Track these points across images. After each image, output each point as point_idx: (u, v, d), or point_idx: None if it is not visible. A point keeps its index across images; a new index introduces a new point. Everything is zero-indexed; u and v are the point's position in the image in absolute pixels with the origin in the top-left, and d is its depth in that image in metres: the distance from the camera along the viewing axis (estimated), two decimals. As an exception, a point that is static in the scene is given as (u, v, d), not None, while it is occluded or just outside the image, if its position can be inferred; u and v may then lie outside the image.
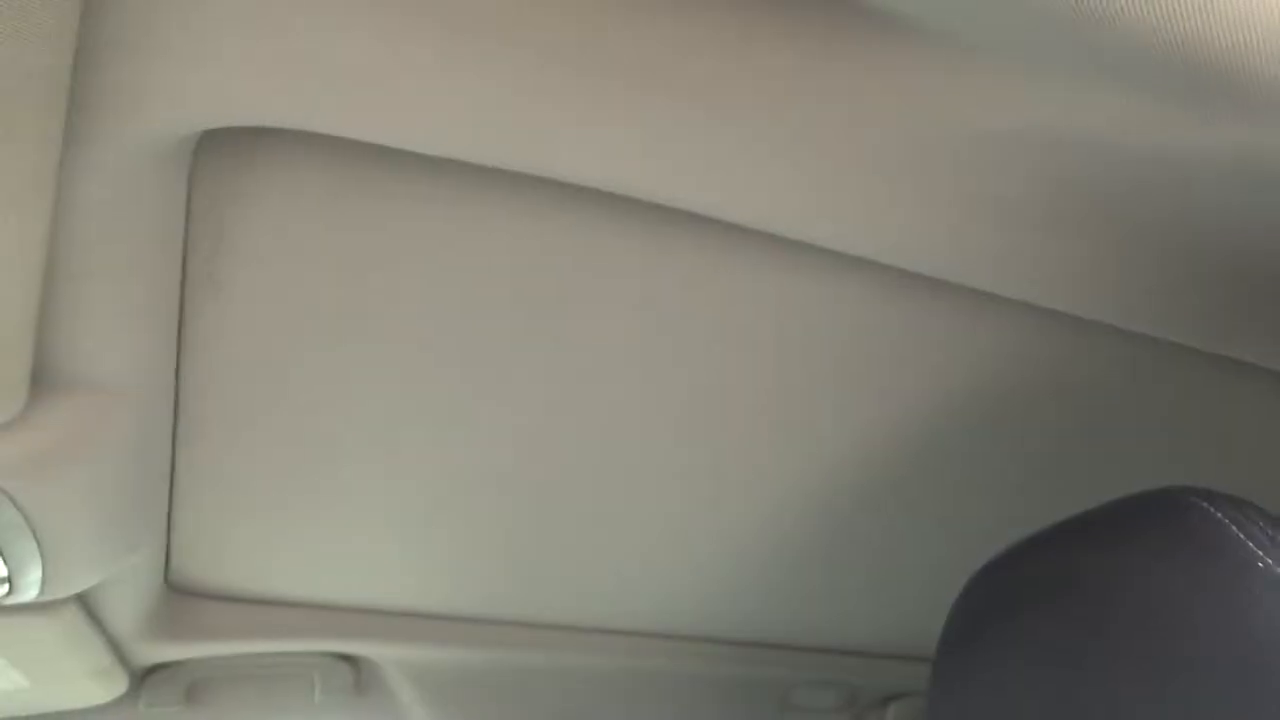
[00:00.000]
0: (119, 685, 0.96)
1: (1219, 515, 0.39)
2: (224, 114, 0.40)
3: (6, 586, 0.65)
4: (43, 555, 0.62)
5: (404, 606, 1.04)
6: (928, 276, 0.53)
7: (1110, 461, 0.72)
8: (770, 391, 0.67)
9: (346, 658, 1.06)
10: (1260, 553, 0.37)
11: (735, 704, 1.21)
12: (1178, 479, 0.49)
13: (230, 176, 0.51)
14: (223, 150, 0.50)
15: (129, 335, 0.52)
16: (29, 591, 0.67)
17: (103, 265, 0.47)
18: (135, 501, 0.69)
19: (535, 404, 0.68)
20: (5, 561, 0.61)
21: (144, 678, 0.99)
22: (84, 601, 0.80)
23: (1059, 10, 0.30)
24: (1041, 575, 0.47)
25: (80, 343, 0.50)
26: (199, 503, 0.77)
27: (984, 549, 0.61)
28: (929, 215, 0.48)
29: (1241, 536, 0.38)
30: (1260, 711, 0.35)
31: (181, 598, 0.93)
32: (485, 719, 1.14)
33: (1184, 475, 0.66)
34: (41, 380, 0.51)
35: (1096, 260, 0.50)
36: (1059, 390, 0.65)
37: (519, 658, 1.08)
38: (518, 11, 0.38)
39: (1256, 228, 0.46)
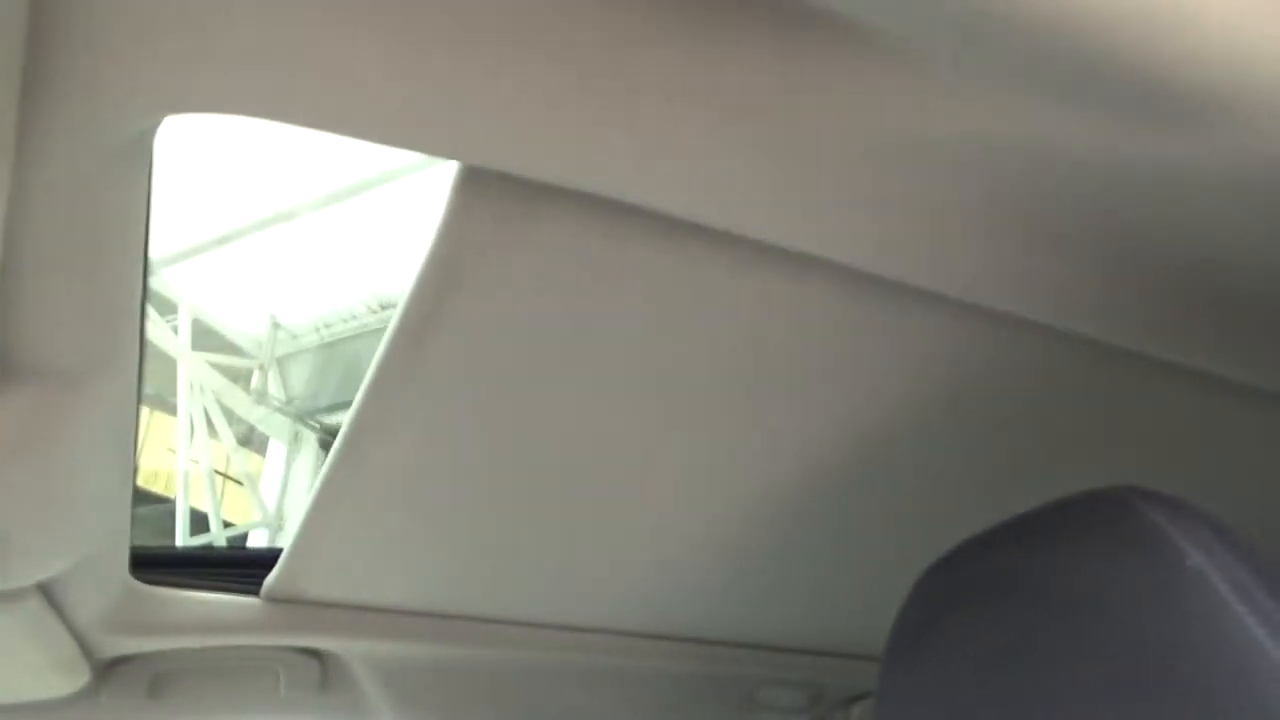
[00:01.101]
0: (81, 677, 0.95)
1: (1153, 514, 0.40)
2: (182, 104, 0.40)
3: (-36, 575, 0.64)
4: (1, 544, 0.62)
5: (372, 602, 1.04)
6: (882, 279, 0.54)
7: (1062, 461, 0.73)
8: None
9: (313, 652, 1.05)
10: (1191, 551, 0.38)
11: (700, 702, 1.22)
12: (1121, 478, 0.50)
13: (491, 225, 0.53)
14: (483, 198, 0.52)
15: (89, 327, 0.52)
16: (-13, 580, 0.67)
17: (62, 256, 0.47)
18: (96, 492, 0.69)
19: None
20: (-37, 550, 0.61)
21: (106, 670, 0.98)
22: (46, 592, 0.80)
23: (990, 16, 0.32)
24: (985, 574, 0.48)
25: (39, 333, 0.50)
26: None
27: (948, 546, 0.62)
28: (882, 218, 0.49)
29: (1173, 535, 0.39)
30: (1187, 706, 0.36)
31: (145, 590, 0.92)
32: (452, 715, 1.14)
33: (1127, 475, 0.67)
34: (0, 370, 0.51)
35: (1041, 263, 0.51)
36: (1011, 391, 0.66)
37: (488, 654, 1.08)
38: (484, 5, 0.39)
39: (1190, 234, 0.47)
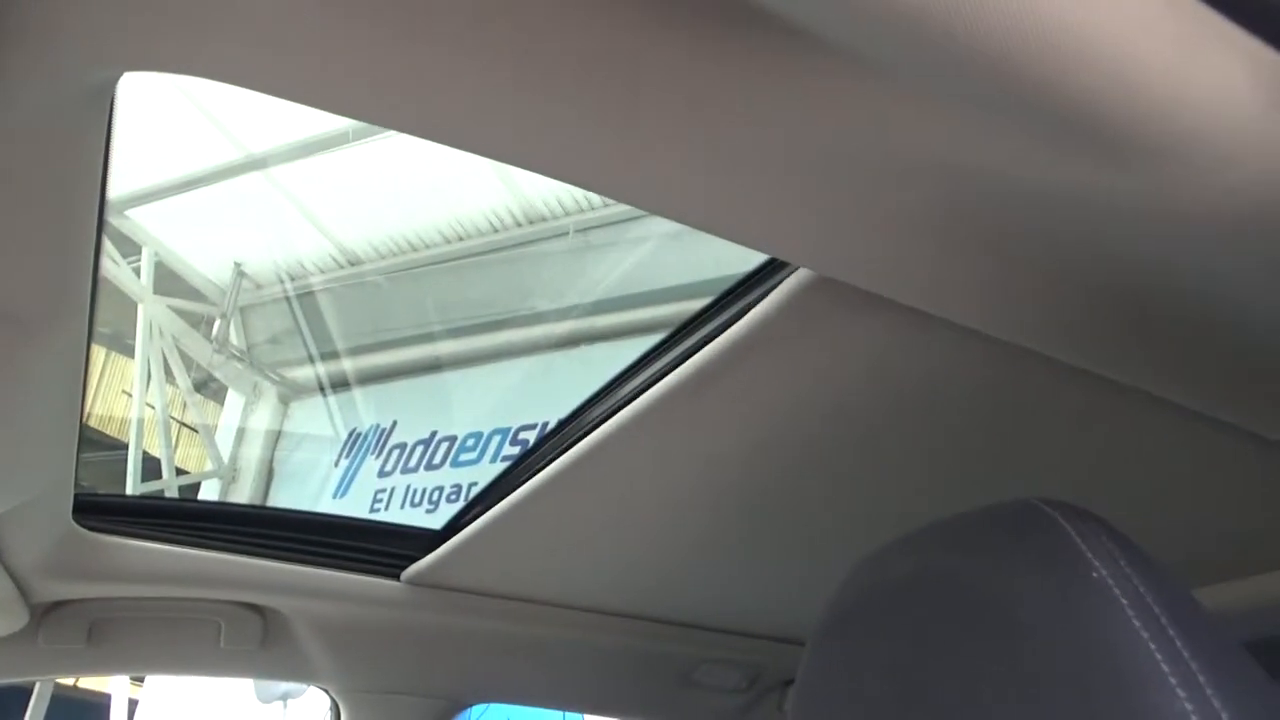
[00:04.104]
0: (19, 619, 0.95)
1: (1066, 526, 0.42)
2: (141, 60, 0.40)
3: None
4: (-60, 484, 0.61)
5: (320, 561, 1.04)
6: (834, 281, 0.55)
7: (994, 466, 0.76)
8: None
9: (255, 607, 1.06)
10: (1098, 563, 0.40)
11: (639, 678, 1.24)
12: (1048, 485, 0.52)
13: (807, 322, 0.61)
14: (814, 297, 0.58)
15: (40, 273, 0.52)
16: (-75, 519, 0.66)
17: (15, 201, 0.47)
18: (41, 437, 0.69)
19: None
20: (-99, 487, 0.61)
21: (45, 614, 0.97)
22: (-15, 533, 0.79)
23: (947, 52, 0.33)
24: (907, 573, 0.49)
25: None
26: None
27: (881, 540, 0.64)
28: (835, 221, 0.50)
29: (1083, 548, 0.41)
30: (1081, 711, 0.38)
31: (88, 536, 0.92)
32: (390, 677, 1.15)
33: (1054, 482, 0.70)
34: None
35: (987, 276, 0.53)
36: (951, 398, 0.68)
37: (428, 620, 1.09)
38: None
39: (1125, 258, 0.49)
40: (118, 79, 0.43)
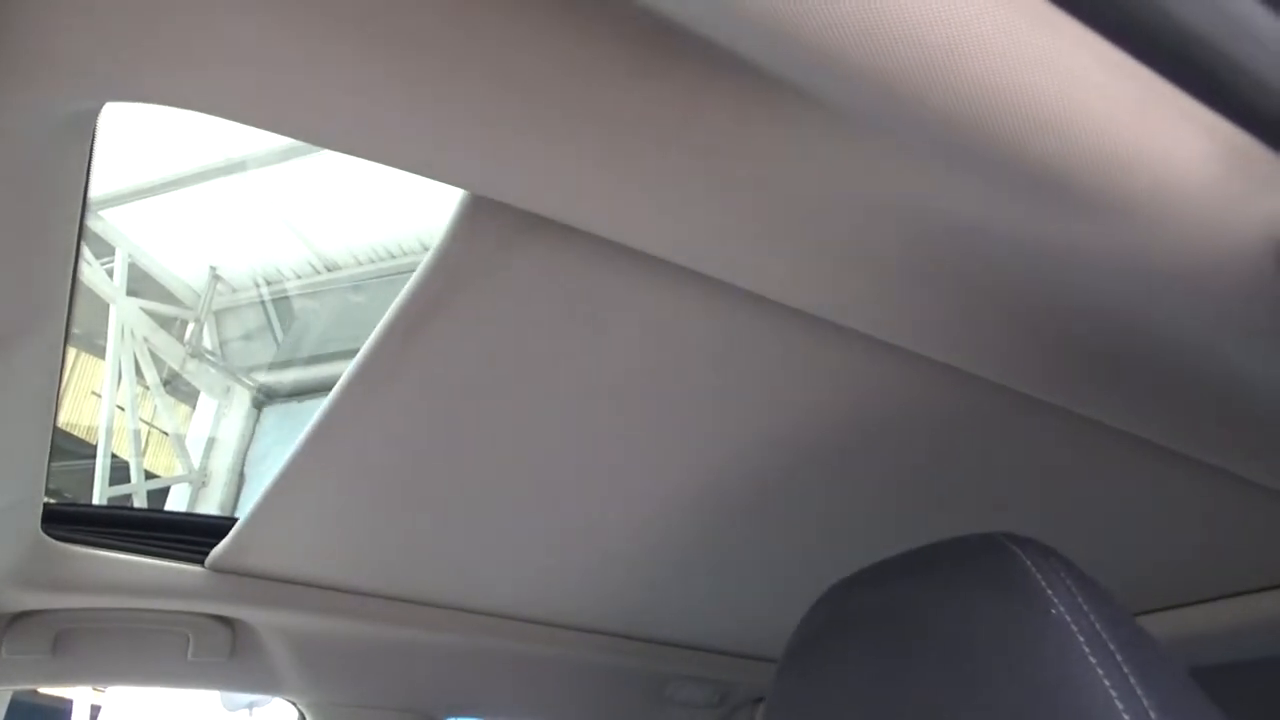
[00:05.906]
0: None
1: (1027, 562, 0.43)
2: (124, 91, 0.40)
3: None
4: (-91, 496, 0.61)
5: (288, 574, 1.03)
6: (813, 316, 0.56)
7: (962, 497, 0.77)
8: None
9: (224, 620, 1.05)
10: (1056, 600, 0.41)
11: (611, 693, 1.24)
12: (1012, 518, 0.54)
13: (489, 248, 0.56)
14: (485, 223, 0.55)
15: (16, 294, 0.52)
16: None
17: None
18: (12, 450, 0.68)
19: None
20: None
21: (10, 624, 0.96)
22: (-50, 543, 0.79)
23: (923, 113, 0.34)
24: (875, 602, 0.50)
25: None
26: None
27: (850, 564, 0.65)
28: (812, 260, 0.51)
29: (1043, 584, 0.42)
30: None
31: (56, 546, 0.91)
32: (360, 690, 1.15)
33: (1017, 515, 0.71)
34: None
35: (955, 312, 0.54)
36: (922, 428, 0.69)
37: (400, 633, 1.09)
38: (430, 24, 0.39)
39: (1083, 300, 0.50)
40: (100, 108, 0.43)
